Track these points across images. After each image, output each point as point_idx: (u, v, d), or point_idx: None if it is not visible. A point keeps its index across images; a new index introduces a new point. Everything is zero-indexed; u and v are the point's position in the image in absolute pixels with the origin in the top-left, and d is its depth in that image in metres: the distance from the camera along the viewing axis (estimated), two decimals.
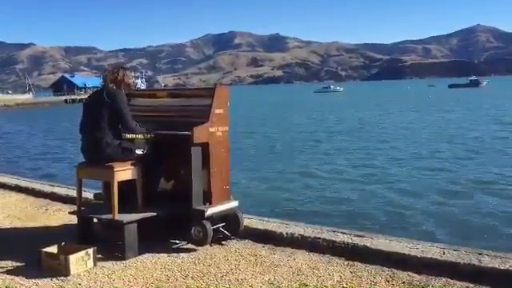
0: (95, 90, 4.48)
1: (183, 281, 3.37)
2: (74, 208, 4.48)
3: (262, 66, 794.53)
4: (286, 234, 4.12)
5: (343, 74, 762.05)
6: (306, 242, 3.99)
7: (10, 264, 3.71)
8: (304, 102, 68.68)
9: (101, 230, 4.28)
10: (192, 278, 3.42)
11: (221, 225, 4.18)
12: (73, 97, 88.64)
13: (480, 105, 47.48)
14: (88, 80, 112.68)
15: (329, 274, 3.42)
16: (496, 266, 3.23)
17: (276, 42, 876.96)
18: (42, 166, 17.61)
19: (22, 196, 6.35)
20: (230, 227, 4.24)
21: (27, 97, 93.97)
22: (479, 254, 3.43)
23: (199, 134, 3.87)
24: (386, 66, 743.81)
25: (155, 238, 4.09)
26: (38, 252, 3.64)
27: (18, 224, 5.02)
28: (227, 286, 3.28)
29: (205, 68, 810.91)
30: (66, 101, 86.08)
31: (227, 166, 4.21)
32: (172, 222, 4.12)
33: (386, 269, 3.45)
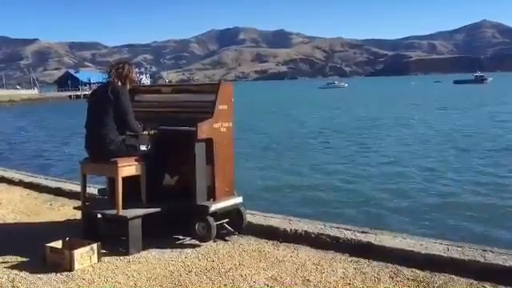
0: (100, 85, 4.47)
1: (187, 276, 3.38)
2: (79, 203, 4.50)
3: (266, 61, 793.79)
4: (290, 230, 4.12)
5: (348, 69, 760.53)
6: (309, 238, 3.99)
7: (14, 259, 3.73)
8: (308, 98, 68.55)
9: (105, 226, 4.28)
10: (195, 273, 3.43)
11: (224, 221, 4.19)
12: (77, 92, 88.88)
13: (484, 101, 47.24)
14: (92, 76, 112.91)
15: (332, 270, 3.42)
16: (500, 262, 3.22)
17: (280, 38, 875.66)
18: (46, 162, 17.68)
19: (26, 191, 6.38)
20: (234, 223, 4.25)
21: (32, 92, 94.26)
22: (484, 250, 3.42)
23: (203, 129, 3.87)
24: (390, 61, 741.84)
25: (159, 234, 4.09)
26: (43, 247, 3.65)
27: (23, 219, 5.04)
28: (231, 281, 3.28)
29: (209, 64, 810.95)
30: (70, 96, 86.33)
31: (231, 162, 4.21)
32: (176, 217, 4.13)
33: (390, 265, 3.45)
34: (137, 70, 4.41)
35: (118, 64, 4.22)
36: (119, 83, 4.11)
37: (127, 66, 4.21)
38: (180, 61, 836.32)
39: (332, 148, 18.34)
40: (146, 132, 4.11)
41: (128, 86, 4.18)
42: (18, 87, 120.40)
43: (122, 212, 3.83)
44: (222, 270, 3.48)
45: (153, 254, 3.82)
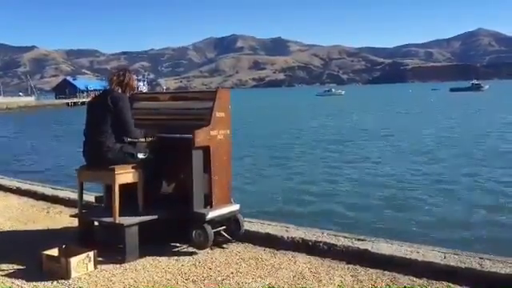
0: (99, 92, 4.47)
1: (184, 284, 3.37)
2: (76, 211, 4.49)
3: (264, 69, 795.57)
4: (287, 237, 4.12)
5: (345, 77, 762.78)
6: (306, 246, 3.99)
7: (10, 267, 3.71)
8: (305, 106, 68.67)
9: (102, 233, 4.27)
10: (193, 281, 3.42)
11: (222, 228, 4.18)
12: (75, 100, 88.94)
13: (481, 109, 47.44)
14: (90, 83, 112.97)
15: (330, 278, 3.42)
16: (497, 270, 3.22)
17: (278, 46, 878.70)
18: (43, 169, 17.62)
19: (23, 199, 6.36)
20: (231, 230, 4.24)
21: (30, 99, 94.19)
22: (480, 258, 3.42)
23: (200, 137, 3.87)
24: (387, 69, 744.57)
25: (156, 241, 4.08)
26: (39, 255, 3.64)
27: (19, 227, 5.02)
28: None
29: (207, 71, 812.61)
30: (68, 104, 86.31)
31: (228, 170, 4.21)
32: (173, 225, 4.12)
33: (387, 273, 3.45)
34: (135, 76, 4.42)
35: (118, 72, 4.22)
36: (119, 90, 4.11)
37: (128, 73, 4.22)
38: (178, 68, 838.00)
39: (330, 156, 18.35)
40: (142, 139, 4.11)
41: (128, 94, 4.19)
42: (20, 94, 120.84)
43: (118, 219, 3.82)
44: (219, 277, 3.47)
45: (150, 261, 3.81)
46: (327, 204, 10.52)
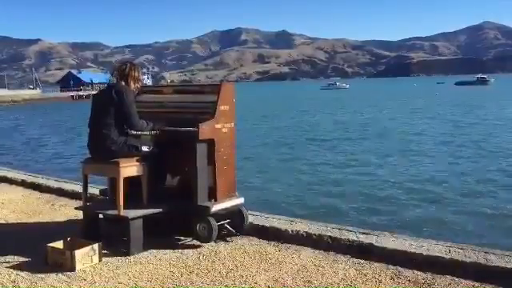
0: (106, 85, 4.48)
1: (188, 277, 3.38)
2: (80, 203, 4.50)
3: (268, 62, 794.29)
4: (291, 231, 4.12)
5: (350, 70, 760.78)
6: (311, 240, 3.98)
7: (16, 259, 3.73)
8: (309, 100, 68.51)
9: (106, 226, 4.28)
10: (197, 274, 3.43)
11: (226, 221, 4.18)
12: (80, 93, 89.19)
13: (485, 103, 47.21)
14: (94, 76, 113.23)
15: (333, 272, 3.41)
16: (503, 264, 3.21)
17: (282, 39, 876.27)
18: (48, 162, 17.69)
19: (28, 191, 6.39)
20: (235, 224, 4.24)
21: (34, 92, 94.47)
22: (485, 252, 3.41)
23: (205, 130, 3.87)
24: (392, 63, 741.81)
25: (160, 234, 4.09)
26: (44, 247, 3.66)
27: (24, 219, 5.04)
28: (232, 282, 3.28)
29: (211, 64, 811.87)
30: (72, 97, 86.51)
31: (233, 163, 4.21)
32: (177, 218, 4.13)
33: (391, 267, 3.44)
34: (139, 69, 4.41)
35: (121, 64, 4.25)
36: (123, 83, 4.11)
37: (129, 64, 4.23)
38: (182, 61, 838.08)
39: (335, 150, 18.32)
40: (147, 132, 4.10)
41: (132, 86, 4.18)
42: (30, 87, 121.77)
43: (123, 212, 3.83)
44: (223, 270, 3.48)
45: (154, 254, 3.82)
46: (332, 198, 10.51)
